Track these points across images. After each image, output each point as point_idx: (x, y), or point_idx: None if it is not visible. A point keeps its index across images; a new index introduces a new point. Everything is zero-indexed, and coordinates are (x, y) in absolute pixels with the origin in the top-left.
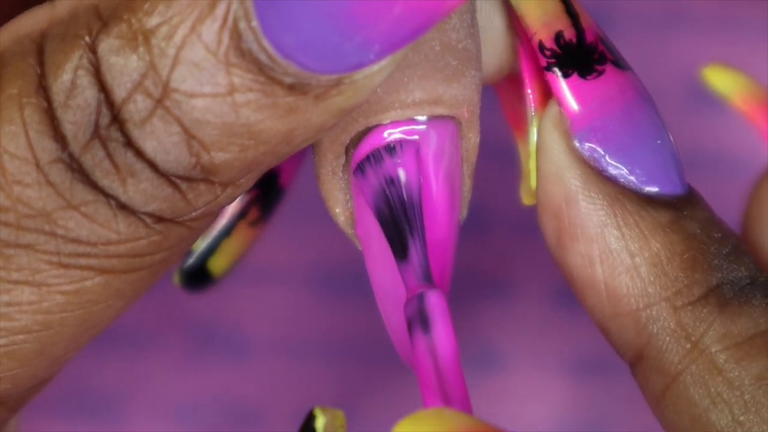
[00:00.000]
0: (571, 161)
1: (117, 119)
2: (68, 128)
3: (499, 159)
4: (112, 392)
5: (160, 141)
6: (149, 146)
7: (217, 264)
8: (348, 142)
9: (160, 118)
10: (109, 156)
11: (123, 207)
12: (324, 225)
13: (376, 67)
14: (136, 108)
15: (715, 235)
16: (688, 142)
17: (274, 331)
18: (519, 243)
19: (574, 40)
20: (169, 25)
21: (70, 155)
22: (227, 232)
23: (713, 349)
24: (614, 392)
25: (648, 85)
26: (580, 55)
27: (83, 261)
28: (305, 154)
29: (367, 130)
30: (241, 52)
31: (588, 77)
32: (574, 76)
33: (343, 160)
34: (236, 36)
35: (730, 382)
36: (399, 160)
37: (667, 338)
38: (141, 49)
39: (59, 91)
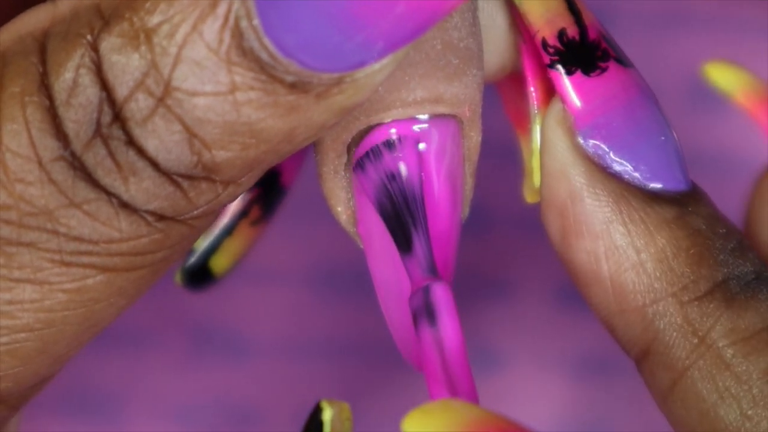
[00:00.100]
0: (576, 158)
1: (119, 118)
2: (70, 126)
3: (501, 157)
4: (112, 391)
5: (161, 139)
6: (151, 145)
7: (219, 263)
8: (350, 140)
9: (162, 117)
10: (111, 154)
11: (125, 205)
12: (326, 224)
13: (377, 65)
14: (138, 106)
15: (720, 230)
16: (689, 141)
17: (275, 330)
18: (520, 242)
19: (577, 37)
20: (170, 23)
21: (72, 153)
22: (229, 231)
23: (720, 344)
24: (614, 392)
25: (648, 84)
26: (584, 53)
27: (85, 259)
28: (307, 153)
29: (369, 129)
30: (242, 50)
31: (591, 74)
32: (578, 74)
33: (344, 158)
34: (238, 35)
35: (737, 376)
36: (399, 154)
37: (674, 334)
38: (143, 48)
39: (61, 90)
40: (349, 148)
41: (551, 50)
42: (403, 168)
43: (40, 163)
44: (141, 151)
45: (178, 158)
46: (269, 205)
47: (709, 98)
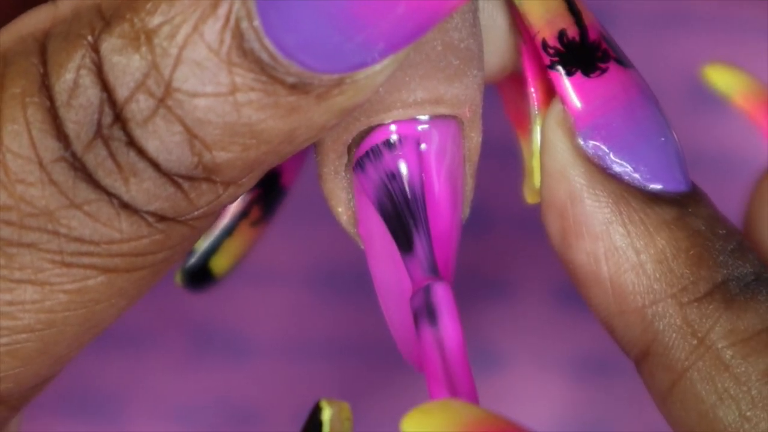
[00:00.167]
0: (576, 159)
1: (119, 118)
2: (71, 127)
3: (501, 158)
4: (112, 392)
5: (162, 140)
6: (151, 145)
7: (219, 263)
8: (350, 141)
9: (163, 118)
10: (112, 155)
11: (125, 206)
12: (326, 224)
13: (377, 66)
14: (139, 107)
15: (720, 231)
16: (689, 142)
17: (275, 331)
18: (520, 242)
19: (578, 38)
20: (171, 24)
21: (73, 154)
22: (229, 231)
23: (720, 345)
24: (614, 392)
25: (648, 84)
26: (584, 53)
27: (86, 260)
28: (307, 154)
29: (369, 130)
30: (243, 51)
31: (591, 75)
32: (578, 74)
33: (345, 159)
34: (238, 36)
35: (736, 377)
36: (399, 153)
37: (674, 335)
38: (143, 49)
39: (62, 91)
40: (350, 149)
41: (551, 51)
42: (403, 167)
43: (40, 164)
44: (142, 152)
45: (178, 159)
46: (269, 206)
47: (709, 99)
